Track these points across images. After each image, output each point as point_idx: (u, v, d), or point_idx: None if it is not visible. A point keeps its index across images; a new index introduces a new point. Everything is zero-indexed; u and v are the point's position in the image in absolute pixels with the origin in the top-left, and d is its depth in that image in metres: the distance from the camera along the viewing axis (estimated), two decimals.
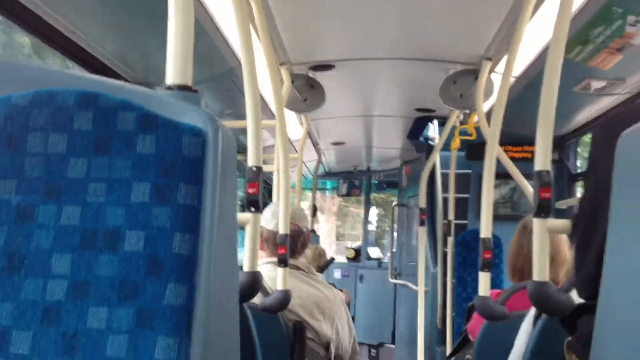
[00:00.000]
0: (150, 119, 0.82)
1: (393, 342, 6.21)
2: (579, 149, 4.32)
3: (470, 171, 4.41)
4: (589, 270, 1.10)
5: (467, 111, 3.45)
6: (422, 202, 4.06)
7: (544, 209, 1.57)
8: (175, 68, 0.91)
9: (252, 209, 1.60)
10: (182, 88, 0.90)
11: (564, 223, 1.58)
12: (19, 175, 0.82)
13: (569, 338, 1.25)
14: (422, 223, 4.05)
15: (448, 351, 3.88)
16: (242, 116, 1.78)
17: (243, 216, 1.60)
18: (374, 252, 7.40)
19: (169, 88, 0.90)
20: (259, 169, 1.60)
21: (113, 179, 0.81)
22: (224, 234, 0.87)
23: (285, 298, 2.02)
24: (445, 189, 4.22)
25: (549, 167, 1.60)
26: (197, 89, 0.90)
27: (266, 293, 2.05)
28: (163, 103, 0.84)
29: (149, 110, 0.82)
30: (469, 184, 4.43)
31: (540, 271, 1.58)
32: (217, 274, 0.84)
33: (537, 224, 1.58)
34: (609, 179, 0.99)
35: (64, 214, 0.80)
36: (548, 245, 1.59)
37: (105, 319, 0.77)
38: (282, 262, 2.03)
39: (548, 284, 1.57)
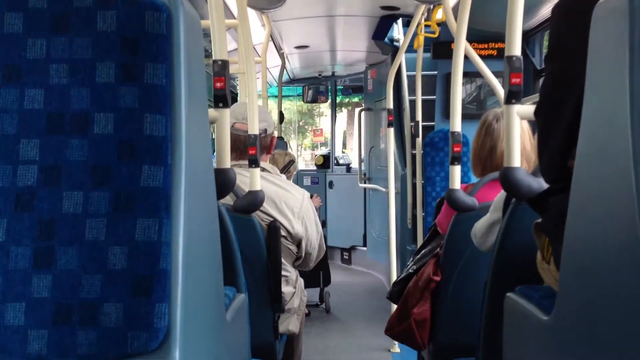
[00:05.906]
0: None
1: (365, 245, 6.38)
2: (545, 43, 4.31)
3: (436, 72, 4.39)
4: (552, 155, 1.11)
5: (432, 7, 3.38)
6: (390, 103, 4.04)
7: (514, 95, 1.54)
8: None
9: (220, 104, 1.55)
10: None
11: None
12: None
13: (537, 221, 1.27)
14: (390, 124, 4.04)
15: None
16: (204, 16, 1.70)
17: (211, 112, 1.55)
18: (342, 158, 7.46)
19: None
20: (224, 62, 1.54)
21: (75, 59, 0.77)
22: (195, 116, 0.84)
23: (258, 198, 2.01)
24: (411, 92, 4.20)
25: (518, 52, 1.57)
26: None
27: (238, 194, 2.05)
28: None
29: None
30: (435, 85, 4.42)
31: (511, 157, 1.57)
32: (192, 156, 0.83)
33: (507, 110, 1.56)
34: (578, 55, 0.97)
35: (27, 97, 0.77)
36: (518, 131, 1.57)
37: (82, 204, 0.76)
38: (253, 162, 1.99)
39: (519, 169, 1.55)
